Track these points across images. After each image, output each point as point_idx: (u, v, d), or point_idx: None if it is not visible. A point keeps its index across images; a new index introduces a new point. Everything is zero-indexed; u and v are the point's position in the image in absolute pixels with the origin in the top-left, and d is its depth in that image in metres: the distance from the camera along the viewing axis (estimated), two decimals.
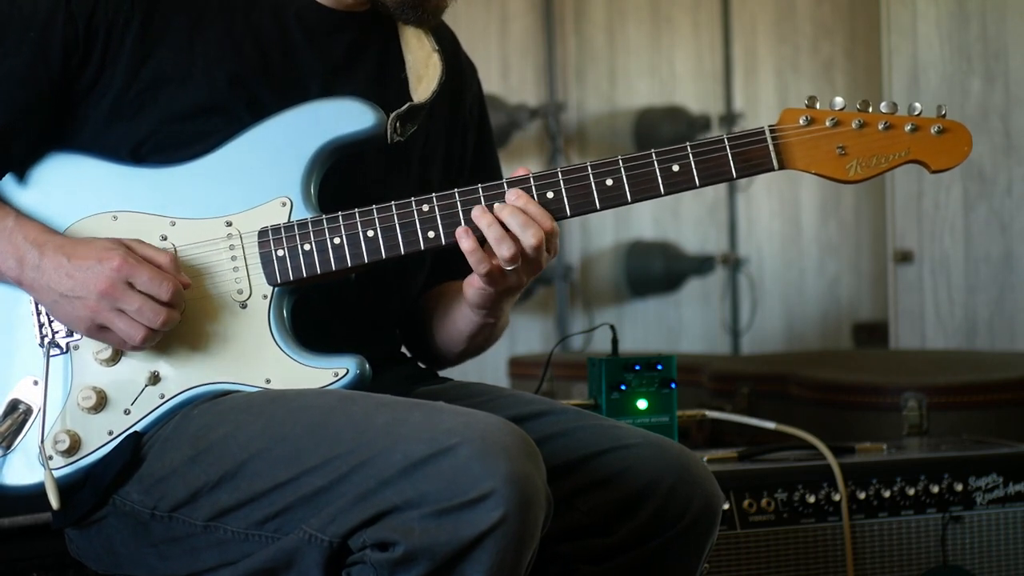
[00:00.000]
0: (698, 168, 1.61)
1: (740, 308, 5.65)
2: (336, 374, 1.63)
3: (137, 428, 1.63)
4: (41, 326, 1.65)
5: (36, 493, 1.63)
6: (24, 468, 1.64)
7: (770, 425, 2.48)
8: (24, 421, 1.63)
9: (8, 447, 1.63)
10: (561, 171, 1.64)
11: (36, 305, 1.65)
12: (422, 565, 1.41)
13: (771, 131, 1.61)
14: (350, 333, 1.74)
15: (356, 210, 1.65)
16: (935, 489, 2.37)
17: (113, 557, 1.67)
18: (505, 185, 1.64)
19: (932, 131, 1.62)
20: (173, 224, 1.65)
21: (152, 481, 1.61)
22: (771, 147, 1.61)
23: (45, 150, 1.67)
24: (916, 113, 1.62)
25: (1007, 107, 4.16)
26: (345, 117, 1.66)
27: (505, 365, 4.41)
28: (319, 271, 1.64)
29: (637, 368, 2.25)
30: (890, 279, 4.40)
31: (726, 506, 2.28)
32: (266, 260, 1.64)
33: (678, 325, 5.54)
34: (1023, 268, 4.14)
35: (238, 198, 1.66)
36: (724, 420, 2.73)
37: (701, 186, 1.62)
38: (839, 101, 1.62)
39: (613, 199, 1.62)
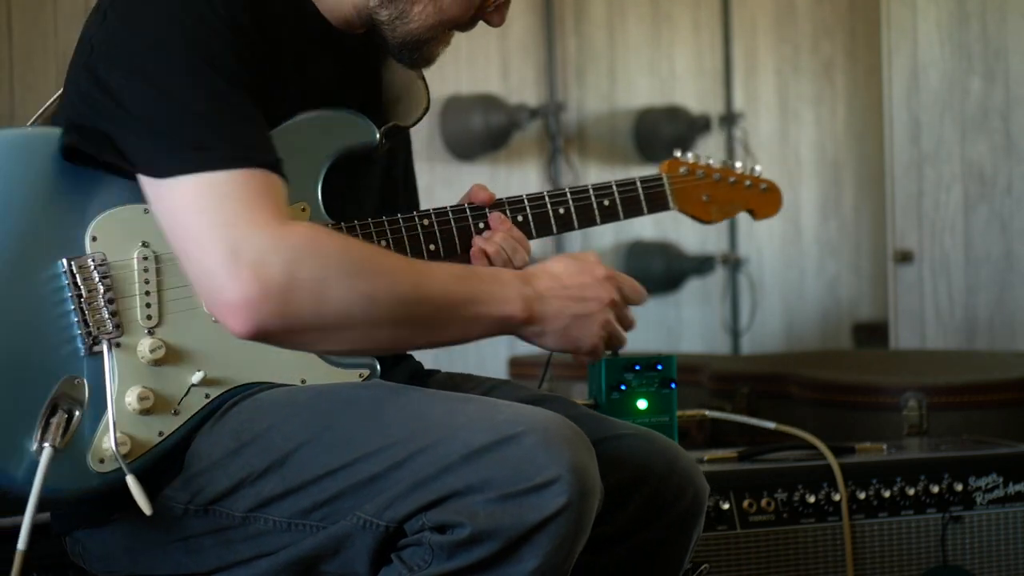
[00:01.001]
0: (621, 204, 1.96)
1: (740, 308, 5.65)
2: (361, 375, 1.69)
3: (186, 428, 1.61)
4: (85, 323, 1.58)
5: (84, 497, 1.59)
6: (73, 471, 1.57)
7: (770, 425, 2.48)
8: (69, 422, 1.56)
9: (59, 446, 1.54)
10: (527, 197, 1.88)
11: (78, 299, 1.58)
12: (485, 547, 1.45)
13: (668, 178, 2.01)
14: None
15: (370, 220, 1.74)
16: (935, 489, 2.37)
17: (130, 556, 1.65)
18: (487, 209, 1.86)
19: (760, 188, 2.13)
20: None
21: (189, 476, 1.60)
22: (668, 191, 2.01)
23: None
24: (753, 173, 2.12)
25: (1007, 107, 4.16)
26: (354, 129, 1.74)
27: (505, 365, 4.41)
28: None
29: (637, 368, 2.25)
30: (890, 279, 4.40)
31: (725, 506, 2.28)
32: None
33: (678, 325, 5.54)
34: (1023, 268, 4.14)
35: None
36: (724, 420, 2.73)
37: (624, 219, 1.97)
38: (703, 157, 2.07)
39: (564, 226, 1.92)
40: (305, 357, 1.66)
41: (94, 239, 1.59)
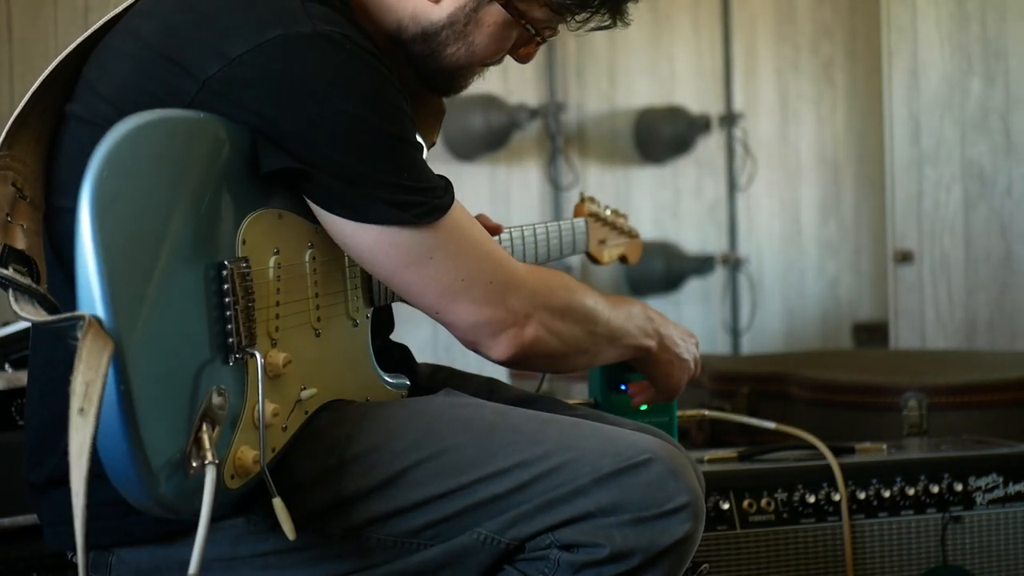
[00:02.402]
0: (563, 245, 2.16)
1: (740, 308, 5.65)
2: (402, 395, 1.72)
3: (290, 444, 1.55)
4: (239, 332, 1.47)
5: (218, 512, 1.44)
6: (208, 485, 1.40)
7: (770, 425, 2.48)
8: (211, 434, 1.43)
9: (218, 462, 1.41)
10: (510, 230, 2.01)
11: (235, 307, 1.46)
12: (615, 567, 1.52)
13: (587, 223, 2.26)
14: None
15: None
16: (935, 489, 2.37)
17: (184, 568, 1.53)
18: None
19: (632, 236, 2.43)
20: (317, 232, 1.58)
21: (281, 492, 1.52)
22: (587, 235, 2.26)
23: None
24: (620, 223, 2.37)
25: (1007, 107, 4.16)
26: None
27: None
28: (401, 296, 1.67)
29: None
30: (890, 279, 4.40)
31: (725, 506, 2.28)
32: (366, 282, 1.68)
33: None
34: (1023, 268, 4.14)
35: None
36: (724, 420, 2.73)
37: (560, 258, 2.17)
38: (604, 206, 2.32)
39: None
40: (368, 374, 1.68)
41: (244, 242, 1.49)
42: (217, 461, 1.38)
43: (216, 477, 1.37)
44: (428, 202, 1.56)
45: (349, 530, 1.56)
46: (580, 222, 2.23)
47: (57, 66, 1.61)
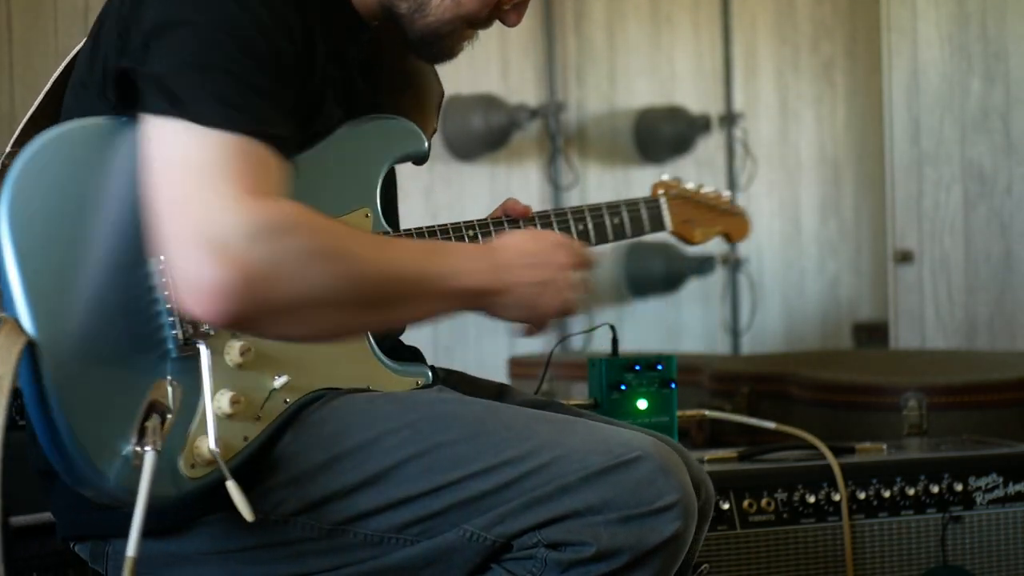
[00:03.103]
0: (630, 222, 1.98)
1: (740, 308, 5.65)
2: (417, 382, 1.70)
3: (267, 434, 1.57)
4: (179, 324, 1.51)
5: (179, 504, 1.52)
6: (165, 477, 1.49)
7: (770, 425, 2.48)
8: (162, 426, 1.49)
9: (160, 450, 1.48)
10: (553, 213, 1.88)
11: (164, 305, 1.50)
12: (604, 565, 1.51)
13: (665, 199, 2.04)
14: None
15: (424, 227, 1.74)
16: (935, 489, 2.37)
17: (177, 565, 1.60)
18: (521, 223, 1.83)
19: (733, 213, 2.18)
20: None
21: (270, 486, 1.56)
22: (665, 212, 2.04)
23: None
24: (722, 196, 2.16)
25: (1007, 107, 4.16)
26: (410, 137, 1.74)
27: (505, 365, 4.41)
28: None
29: (637, 368, 2.25)
30: (890, 279, 4.41)
31: (725, 506, 2.28)
32: None
33: (678, 325, 5.54)
34: (1023, 268, 4.14)
35: (330, 203, 1.63)
36: (724, 420, 2.73)
37: (630, 238, 1.99)
38: (683, 181, 2.11)
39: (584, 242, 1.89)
40: (369, 362, 1.67)
41: None
42: (159, 448, 1.45)
43: (154, 463, 1.44)
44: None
45: (337, 525, 1.57)
46: (655, 199, 2.06)
47: (68, 64, 1.63)
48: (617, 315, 5.27)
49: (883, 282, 4.71)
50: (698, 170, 5.50)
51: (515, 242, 1.60)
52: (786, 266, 5.77)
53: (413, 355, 1.79)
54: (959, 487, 2.38)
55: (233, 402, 1.52)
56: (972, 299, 4.23)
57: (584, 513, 1.51)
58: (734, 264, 5.59)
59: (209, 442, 1.50)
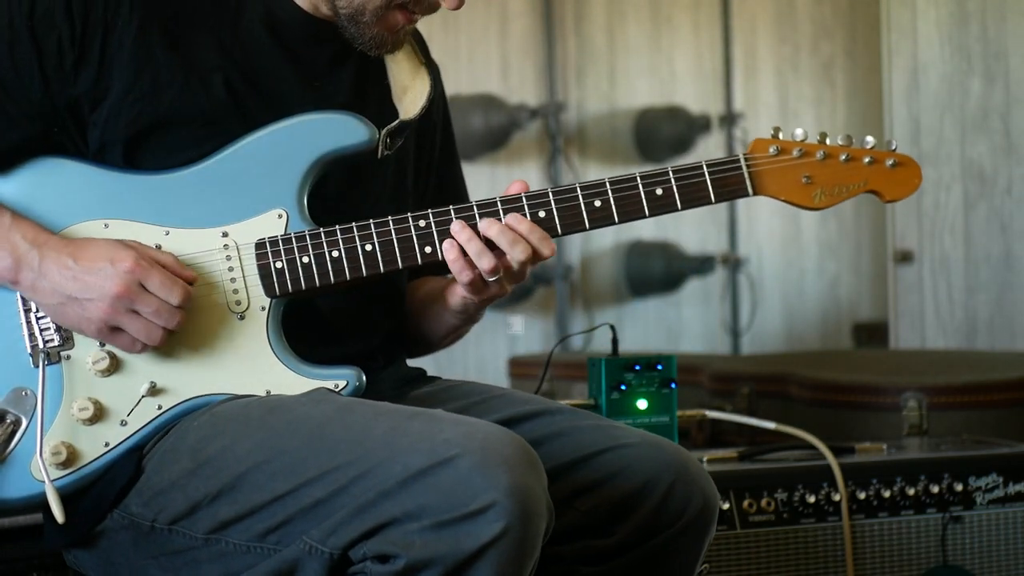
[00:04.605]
0: (680, 192, 1.69)
1: (740, 308, 5.65)
2: (336, 385, 1.64)
3: (134, 440, 1.61)
4: (31, 335, 1.61)
5: (30, 505, 1.62)
6: (17, 480, 1.60)
7: (770, 425, 2.48)
8: (13, 432, 1.59)
9: (2, 457, 1.59)
10: (552, 191, 1.68)
11: (26, 313, 1.61)
12: None
13: (745, 159, 1.70)
14: (342, 328, 1.74)
15: (354, 224, 1.66)
16: (935, 489, 2.37)
17: (111, 568, 1.65)
18: (499, 203, 1.67)
19: (887, 164, 1.72)
20: (167, 233, 1.63)
21: (152, 493, 1.59)
22: (746, 174, 1.69)
23: (36, 153, 1.64)
24: (870, 146, 1.72)
25: (1007, 107, 4.16)
26: (338, 131, 1.67)
27: (505, 365, 4.41)
28: (318, 284, 1.64)
29: (637, 368, 2.25)
30: (890, 279, 4.40)
31: (725, 506, 2.28)
32: (264, 272, 1.64)
33: (678, 325, 5.54)
34: (1023, 268, 4.14)
35: (233, 209, 1.65)
36: (724, 420, 2.73)
37: (682, 209, 1.69)
38: (800, 132, 1.71)
39: (601, 220, 1.68)
40: (269, 368, 1.63)
41: None
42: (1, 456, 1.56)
43: None
44: None
45: (208, 534, 1.56)
46: (730, 159, 1.72)
47: None
48: (617, 315, 5.28)
49: (883, 282, 4.71)
50: None
51: (72, 249, 1.58)
52: (786, 266, 5.77)
53: (347, 360, 1.69)
54: (959, 487, 2.38)
55: (82, 408, 1.59)
56: (972, 299, 4.23)
57: (402, 520, 1.41)
58: (734, 264, 5.59)
59: (37, 449, 1.57)
